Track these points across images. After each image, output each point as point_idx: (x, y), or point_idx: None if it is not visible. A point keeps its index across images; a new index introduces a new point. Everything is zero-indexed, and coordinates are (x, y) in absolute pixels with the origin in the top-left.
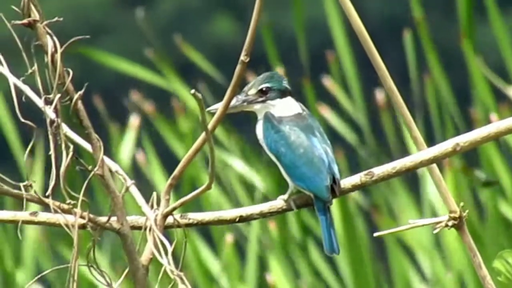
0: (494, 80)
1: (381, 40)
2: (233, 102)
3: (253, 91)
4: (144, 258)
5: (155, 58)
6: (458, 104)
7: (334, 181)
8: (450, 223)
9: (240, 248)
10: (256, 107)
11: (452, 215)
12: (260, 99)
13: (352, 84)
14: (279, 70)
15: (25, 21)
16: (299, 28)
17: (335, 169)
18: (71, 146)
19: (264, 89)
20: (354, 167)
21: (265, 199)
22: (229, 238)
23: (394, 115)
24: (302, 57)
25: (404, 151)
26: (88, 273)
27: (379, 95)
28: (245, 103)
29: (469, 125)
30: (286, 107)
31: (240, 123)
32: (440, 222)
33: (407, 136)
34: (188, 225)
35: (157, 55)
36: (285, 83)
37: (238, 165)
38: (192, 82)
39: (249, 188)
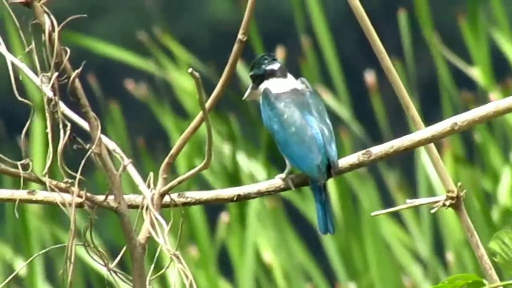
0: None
1: (377, 19)
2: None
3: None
4: (141, 237)
5: (149, 42)
6: (457, 84)
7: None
8: (447, 203)
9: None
10: (256, 93)
11: (449, 194)
12: (252, 86)
13: (333, 69)
14: (280, 50)
15: None
16: (297, 7)
17: (332, 149)
18: (69, 125)
19: (251, 77)
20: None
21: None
22: (224, 217)
23: (386, 96)
24: (301, 37)
25: (399, 133)
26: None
27: (369, 77)
28: (249, 93)
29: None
30: (278, 85)
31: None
32: (437, 201)
33: (403, 117)
34: (185, 204)
35: (151, 38)
36: (264, 66)
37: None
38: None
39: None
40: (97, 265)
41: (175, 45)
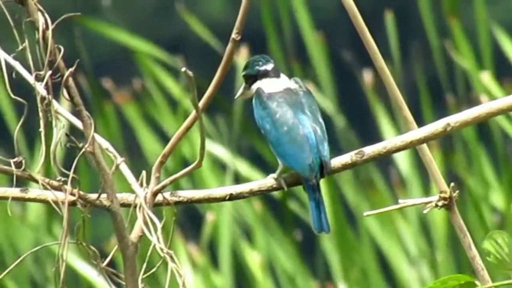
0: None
1: (372, 20)
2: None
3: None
4: (133, 235)
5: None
6: (447, 86)
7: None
8: (440, 203)
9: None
10: (248, 92)
11: (442, 195)
12: (245, 85)
13: (321, 71)
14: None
15: None
16: (284, 9)
17: (324, 149)
18: (62, 123)
19: (243, 77)
20: (342, 147)
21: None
22: (209, 216)
23: (383, 96)
24: (287, 37)
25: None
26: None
27: (367, 76)
28: (242, 92)
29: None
30: (271, 84)
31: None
32: (430, 202)
33: (397, 116)
34: (177, 203)
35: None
36: (258, 67)
37: (218, 151)
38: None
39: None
40: (84, 267)
41: (195, 22)
